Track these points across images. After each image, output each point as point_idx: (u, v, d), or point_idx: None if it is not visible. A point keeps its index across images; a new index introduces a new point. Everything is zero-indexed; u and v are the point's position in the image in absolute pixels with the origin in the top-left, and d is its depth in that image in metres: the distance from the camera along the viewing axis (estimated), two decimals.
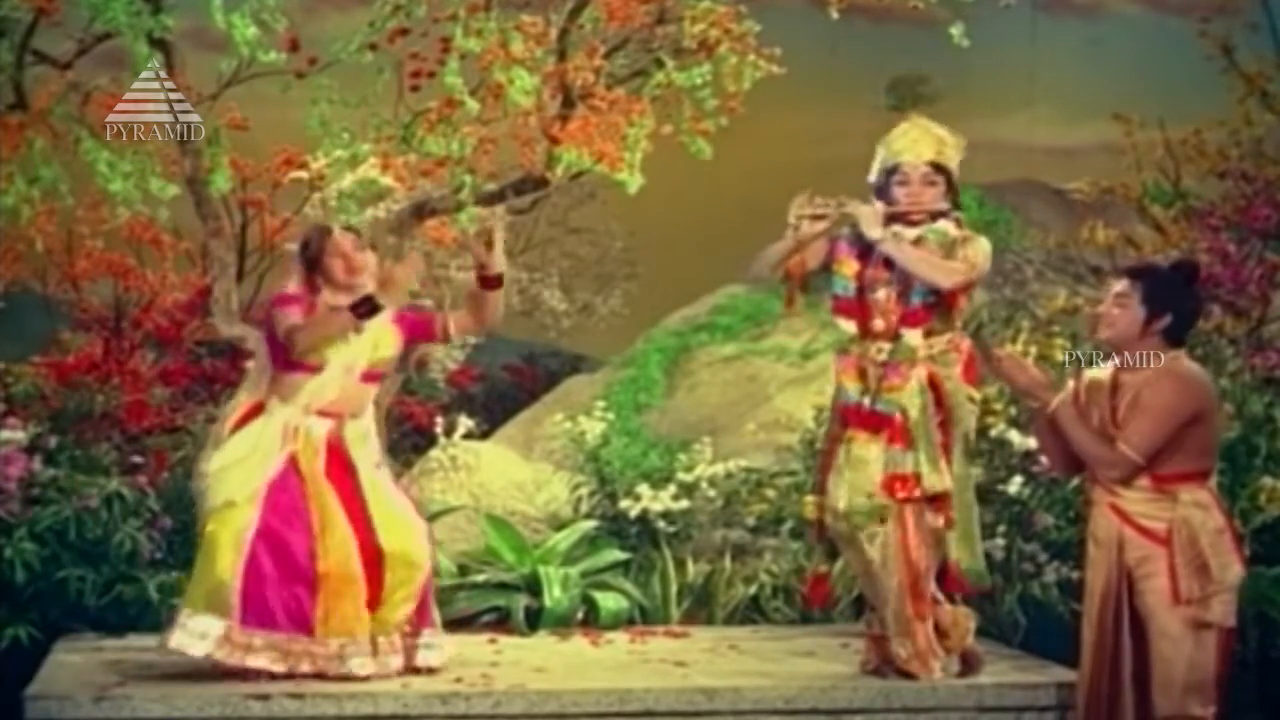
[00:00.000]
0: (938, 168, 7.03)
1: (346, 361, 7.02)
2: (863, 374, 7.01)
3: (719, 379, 10.05)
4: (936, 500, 6.95)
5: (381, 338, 7.10)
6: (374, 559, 6.96)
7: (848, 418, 7.00)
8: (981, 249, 7.00)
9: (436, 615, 7.17)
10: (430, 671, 7.03)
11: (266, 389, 7.07)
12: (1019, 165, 11.09)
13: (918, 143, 7.04)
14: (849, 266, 7.05)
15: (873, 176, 7.08)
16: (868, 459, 6.93)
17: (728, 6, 8.20)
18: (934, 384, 6.95)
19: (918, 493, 6.91)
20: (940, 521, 6.96)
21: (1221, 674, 6.25)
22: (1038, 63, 10.84)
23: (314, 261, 7.09)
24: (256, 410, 7.07)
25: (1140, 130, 9.91)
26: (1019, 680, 7.07)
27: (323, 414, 7.04)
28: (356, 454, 7.08)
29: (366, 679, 6.87)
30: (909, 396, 6.93)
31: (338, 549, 6.92)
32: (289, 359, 7.01)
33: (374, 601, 6.96)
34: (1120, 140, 9.97)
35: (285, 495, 6.96)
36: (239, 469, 6.96)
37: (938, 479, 6.92)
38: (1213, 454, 6.33)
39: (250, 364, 7.43)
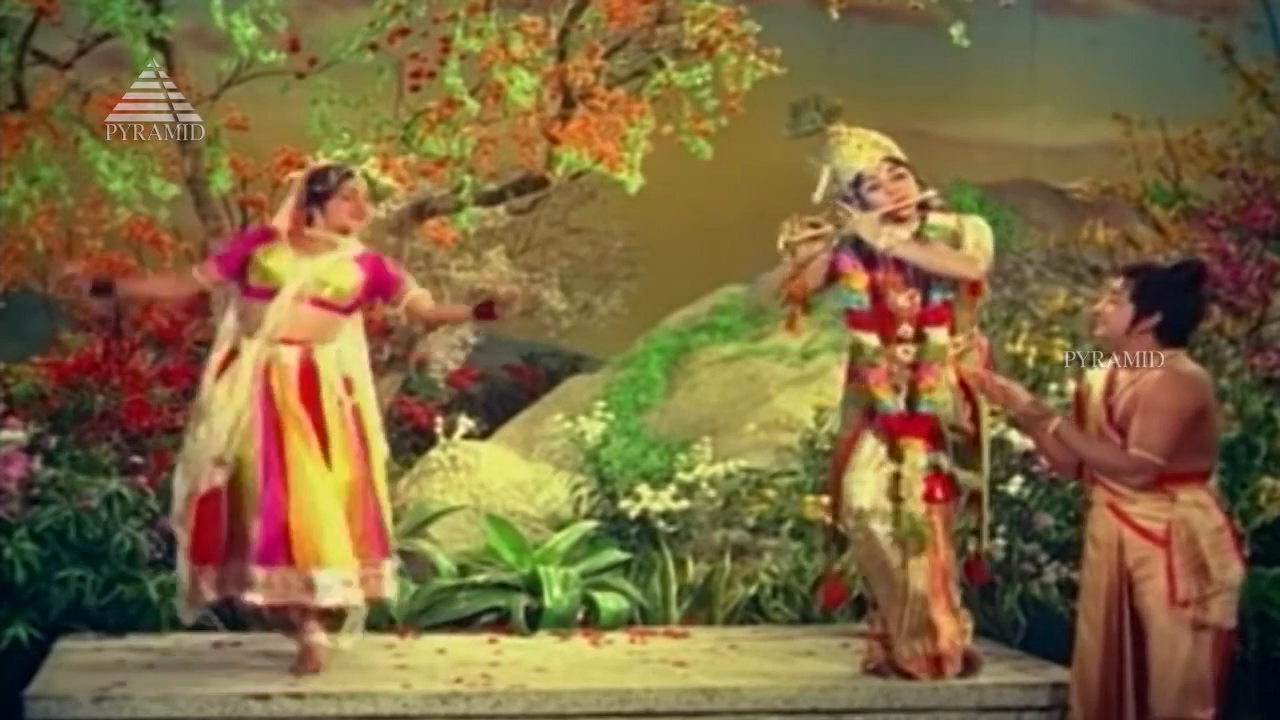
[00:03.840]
0: (895, 161, 7.04)
1: (295, 288, 7.09)
2: (891, 380, 7.00)
3: (719, 379, 10.04)
4: (966, 496, 6.99)
5: (333, 271, 7.14)
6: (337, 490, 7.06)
7: (890, 427, 6.97)
8: (985, 231, 7.05)
9: (393, 545, 7.29)
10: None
11: (236, 331, 7.18)
12: (1019, 165, 11.08)
13: (863, 147, 7.06)
14: (858, 279, 7.01)
15: (819, 195, 7.06)
16: (918, 465, 6.92)
17: (728, 6, 8.21)
18: (962, 382, 6.96)
19: (954, 494, 6.94)
20: (973, 517, 7.03)
21: (1220, 675, 6.24)
22: (1038, 63, 10.84)
23: (320, 196, 7.16)
24: (232, 356, 7.17)
25: (1140, 130, 9.92)
26: (1019, 680, 7.07)
27: (288, 342, 7.11)
28: (325, 381, 7.14)
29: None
30: (943, 395, 6.94)
31: (303, 487, 6.99)
32: (248, 286, 7.14)
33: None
34: (1120, 140, 9.98)
35: (269, 444, 7.05)
36: (220, 418, 7.06)
37: (973, 477, 6.95)
38: (1212, 453, 6.32)
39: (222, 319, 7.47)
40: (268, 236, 7.22)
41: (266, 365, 7.10)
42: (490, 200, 8.75)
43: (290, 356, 7.11)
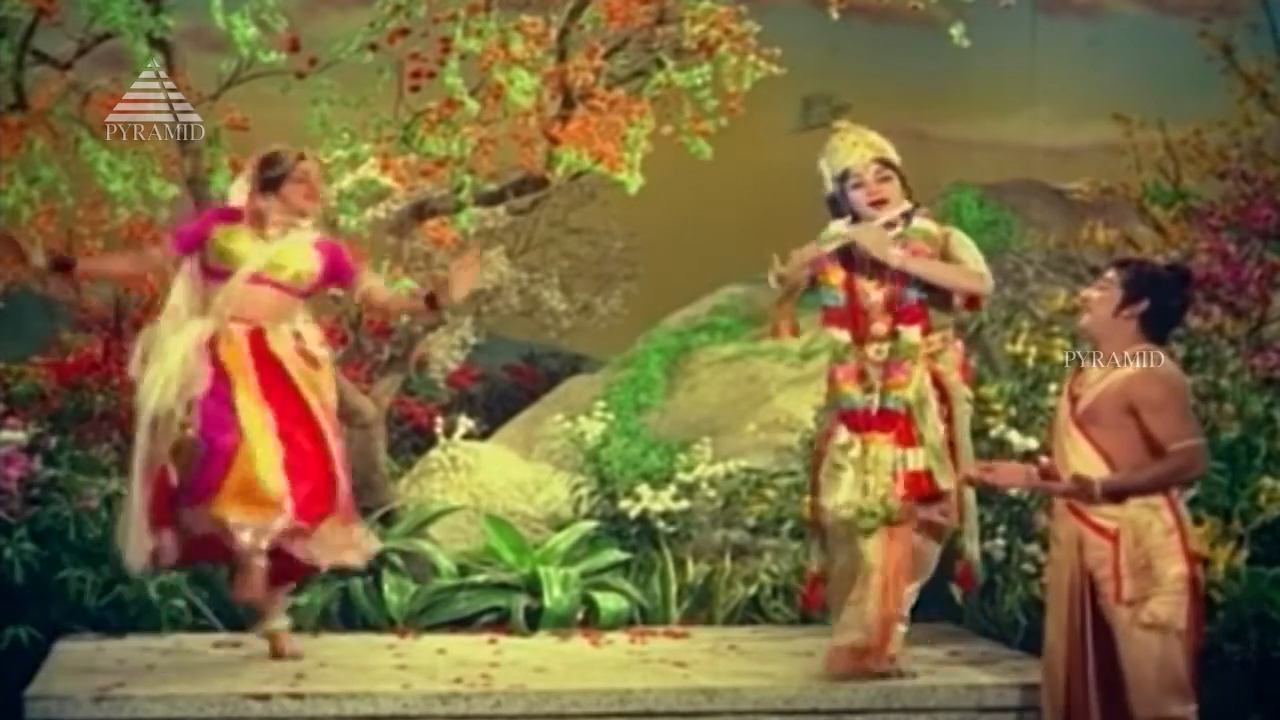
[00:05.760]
0: (885, 163, 7.06)
1: (250, 269, 7.13)
2: (863, 378, 7.01)
3: (719, 379, 10.04)
4: (938, 497, 6.97)
5: (289, 253, 7.17)
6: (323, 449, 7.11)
7: (857, 423, 6.99)
8: (970, 244, 7.09)
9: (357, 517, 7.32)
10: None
11: (188, 305, 7.21)
12: (1019, 165, 11.08)
13: (858, 145, 7.09)
14: (835, 276, 7.05)
15: (827, 191, 7.11)
16: (884, 460, 6.93)
17: (728, 7, 8.21)
18: (936, 381, 6.97)
19: (929, 490, 6.93)
20: (941, 517, 6.99)
21: (1191, 675, 6.22)
22: (1038, 63, 10.84)
23: (274, 181, 7.19)
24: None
25: (1140, 130, 9.91)
26: (1019, 680, 7.06)
27: (237, 319, 7.13)
28: (281, 354, 7.13)
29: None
30: (913, 393, 6.94)
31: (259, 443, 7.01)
32: (206, 266, 7.18)
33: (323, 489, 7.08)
34: (1120, 140, 9.97)
35: (214, 403, 7.04)
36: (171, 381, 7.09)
37: (945, 477, 6.94)
38: None
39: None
40: (230, 216, 7.24)
41: (213, 338, 7.11)
42: (490, 200, 8.74)
43: (240, 333, 7.13)
